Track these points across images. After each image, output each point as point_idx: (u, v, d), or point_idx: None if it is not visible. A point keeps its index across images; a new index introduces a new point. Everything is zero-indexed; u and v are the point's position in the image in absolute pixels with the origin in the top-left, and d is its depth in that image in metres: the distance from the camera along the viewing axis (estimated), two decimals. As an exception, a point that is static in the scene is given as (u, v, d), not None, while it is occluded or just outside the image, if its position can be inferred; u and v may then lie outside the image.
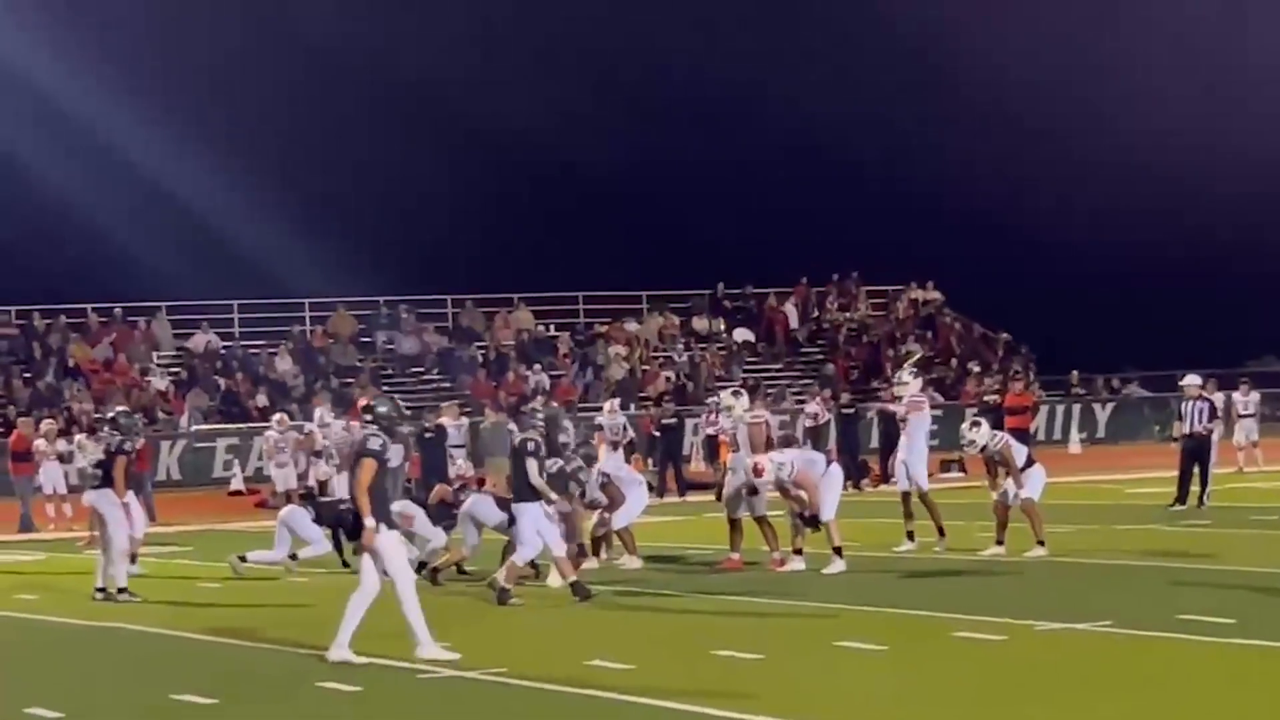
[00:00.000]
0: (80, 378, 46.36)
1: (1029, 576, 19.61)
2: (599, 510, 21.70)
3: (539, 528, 18.69)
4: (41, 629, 18.53)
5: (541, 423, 19.90)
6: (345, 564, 22.63)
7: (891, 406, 26.25)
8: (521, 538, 18.87)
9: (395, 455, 33.87)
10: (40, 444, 32.35)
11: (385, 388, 46.99)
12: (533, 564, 19.60)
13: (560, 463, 19.81)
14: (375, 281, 51.97)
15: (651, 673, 13.76)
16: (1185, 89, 61.52)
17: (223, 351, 49.47)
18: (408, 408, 42.33)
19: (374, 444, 14.87)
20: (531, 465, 18.79)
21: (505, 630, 16.12)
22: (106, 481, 20.74)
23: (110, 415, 22.19)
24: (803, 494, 20.41)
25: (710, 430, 37.77)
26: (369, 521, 14.60)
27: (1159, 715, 11.46)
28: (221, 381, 47.97)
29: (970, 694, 12.52)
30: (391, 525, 14.88)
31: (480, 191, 60.14)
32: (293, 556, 22.50)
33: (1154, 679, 12.90)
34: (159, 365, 48.46)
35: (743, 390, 23.29)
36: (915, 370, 24.83)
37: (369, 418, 15.28)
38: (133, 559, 22.42)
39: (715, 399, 31.59)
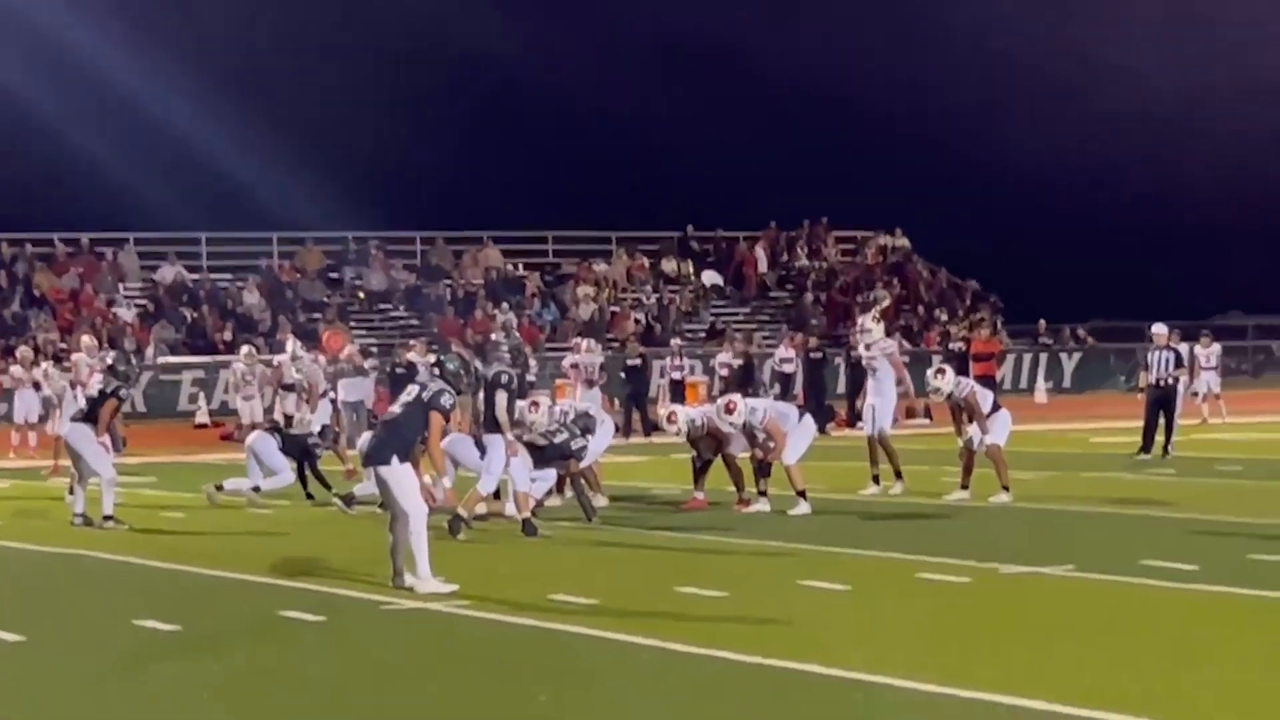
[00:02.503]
0: (46, 307, 46.16)
1: (993, 521, 19.67)
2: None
3: (508, 460, 18.70)
4: (4, 554, 18.48)
5: (508, 354, 19.80)
6: (310, 496, 22.62)
7: (859, 351, 26.14)
8: (488, 468, 18.87)
9: (360, 390, 34.08)
10: (16, 371, 32.20)
11: (352, 324, 46.99)
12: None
13: (566, 435, 19.74)
14: (344, 217, 51.84)
15: (614, 607, 13.77)
16: (1169, 35, 61.44)
17: (190, 284, 49.31)
18: (374, 344, 42.36)
19: (445, 401, 15.36)
20: (500, 398, 18.70)
21: (469, 563, 16.12)
22: (89, 419, 20.57)
23: (109, 362, 22.14)
24: (770, 443, 20.43)
25: (675, 374, 37.85)
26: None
27: (1121, 658, 11.49)
28: (188, 314, 47.83)
29: (933, 634, 12.54)
30: (405, 460, 14.94)
31: (451, 130, 59.96)
32: (255, 489, 22.45)
33: (1116, 622, 12.94)
34: (126, 296, 48.32)
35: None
36: (878, 316, 24.83)
37: (438, 372, 15.79)
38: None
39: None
